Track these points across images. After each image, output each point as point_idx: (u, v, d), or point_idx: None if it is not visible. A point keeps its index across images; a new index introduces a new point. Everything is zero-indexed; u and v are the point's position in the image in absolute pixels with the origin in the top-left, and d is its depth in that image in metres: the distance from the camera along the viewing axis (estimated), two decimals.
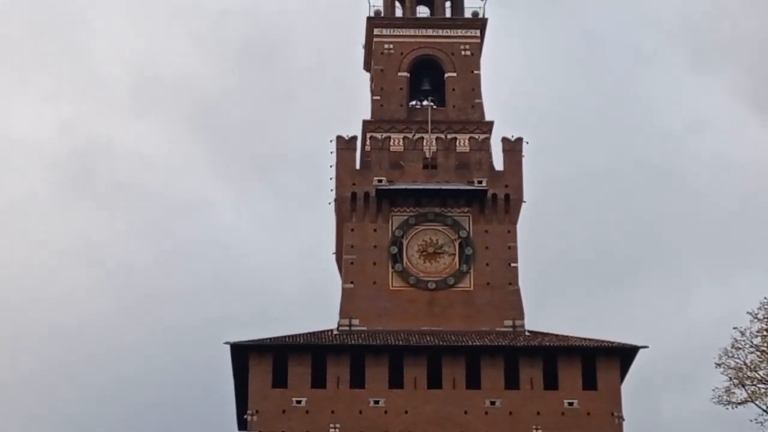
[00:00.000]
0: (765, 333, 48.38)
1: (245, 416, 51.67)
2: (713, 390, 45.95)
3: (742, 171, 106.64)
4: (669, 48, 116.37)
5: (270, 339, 52.32)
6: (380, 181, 56.49)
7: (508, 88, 78.70)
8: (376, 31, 60.57)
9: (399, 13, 62.36)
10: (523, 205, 56.78)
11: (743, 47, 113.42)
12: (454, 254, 55.90)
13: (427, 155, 57.24)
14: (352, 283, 55.42)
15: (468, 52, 60.19)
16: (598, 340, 53.04)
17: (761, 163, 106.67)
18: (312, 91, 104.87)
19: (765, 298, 48.57)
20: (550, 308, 73.64)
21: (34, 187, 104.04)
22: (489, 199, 56.32)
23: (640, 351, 52.44)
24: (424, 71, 60.33)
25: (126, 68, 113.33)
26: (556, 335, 53.88)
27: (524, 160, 57.31)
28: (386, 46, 60.36)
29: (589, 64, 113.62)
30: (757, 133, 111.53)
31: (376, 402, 51.33)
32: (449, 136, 57.73)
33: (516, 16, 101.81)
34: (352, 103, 66.84)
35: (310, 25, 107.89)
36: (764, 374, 47.23)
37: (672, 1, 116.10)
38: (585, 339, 53.24)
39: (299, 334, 53.12)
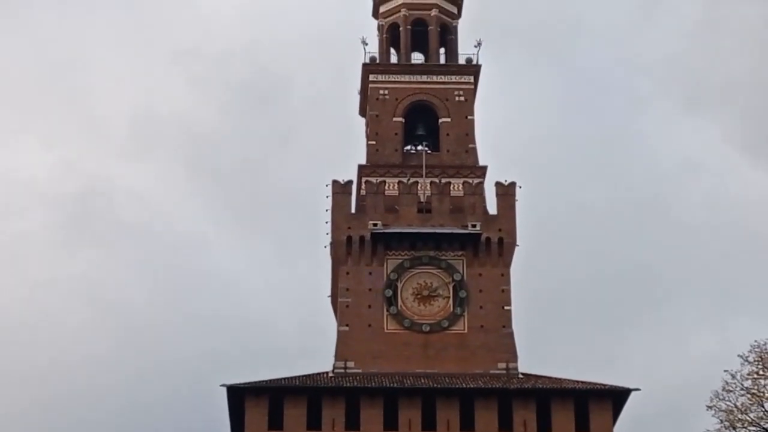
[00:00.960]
0: (755, 376, 49.13)
1: None
2: None
3: (734, 212, 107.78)
4: (662, 92, 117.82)
5: (266, 381, 52.85)
6: (375, 224, 57.14)
7: (501, 132, 79.57)
8: (371, 77, 61.58)
9: (394, 59, 63.44)
10: (517, 248, 57.52)
11: (734, 91, 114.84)
12: (449, 297, 56.58)
13: (422, 199, 58.04)
14: (347, 325, 56.03)
15: (462, 98, 61.17)
16: (590, 383, 53.60)
17: (752, 204, 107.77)
18: (309, 134, 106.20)
19: (755, 341, 49.52)
20: (543, 350, 74.21)
21: (34, 226, 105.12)
22: (483, 243, 57.03)
23: (633, 393, 53.02)
24: (419, 116, 61.25)
25: (125, 110, 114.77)
26: (550, 378, 54.45)
27: (517, 204, 58.11)
28: (381, 91, 61.30)
29: (583, 108, 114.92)
30: (748, 174, 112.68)
31: None
32: (443, 181, 58.53)
33: (510, 61, 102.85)
34: (347, 147, 67.80)
35: (307, 69, 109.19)
36: (755, 417, 47.91)
37: (664, 46, 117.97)
38: (578, 381, 53.80)
39: (295, 377, 53.70)
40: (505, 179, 58.22)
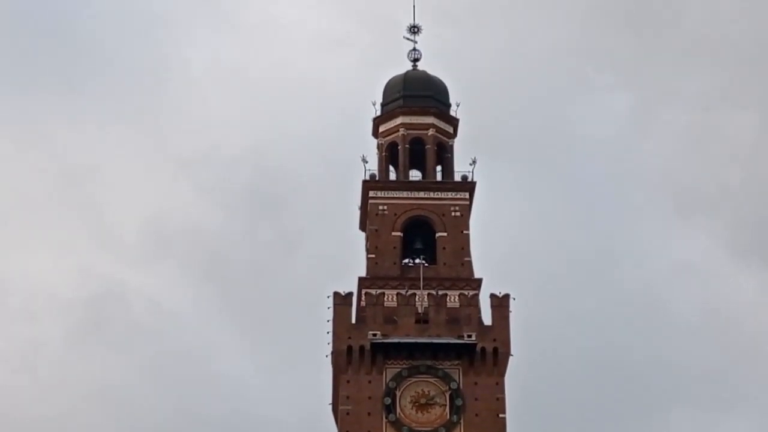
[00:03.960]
0: None
1: None
2: None
3: (725, 317, 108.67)
4: (654, 200, 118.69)
5: None
6: (375, 335, 58.69)
7: (496, 245, 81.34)
8: (371, 193, 63.39)
9: (393, 176, 65.11)
10: (511, 358, 58.95)
11: (725, 199, 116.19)
12: (445, 405, 57.86)
13: (420, 310, 59.55)
14: None
15: (458, 213, 62.96)
16: None
17: (743, 308, 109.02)
18: (313, 244, 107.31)
19: None
20: None
21: (49, 332, 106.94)
22: (478, 353, 58.45)
23: None
24: (417, 231, 62.89)
25: (136, 217, 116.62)
26: None
27: (511, 315, 59.62)
28: (381, 207, 63.11)
29: (576, 218, 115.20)
30: (739, 280, 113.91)
31: None
32: (440, 293, 60.04)
33: (504, 174, 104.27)
34: (349, 259, 69.78)
35: (311, 181, 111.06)
36: None
37: (657, 156, 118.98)
38: None
39: None
40: (500, 291, 59.90)
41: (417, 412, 57.87)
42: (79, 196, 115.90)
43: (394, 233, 62.66)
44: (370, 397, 57.99)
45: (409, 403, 57.99)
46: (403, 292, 60.23)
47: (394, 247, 62.42)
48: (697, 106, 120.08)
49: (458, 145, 66.27)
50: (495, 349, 58.82)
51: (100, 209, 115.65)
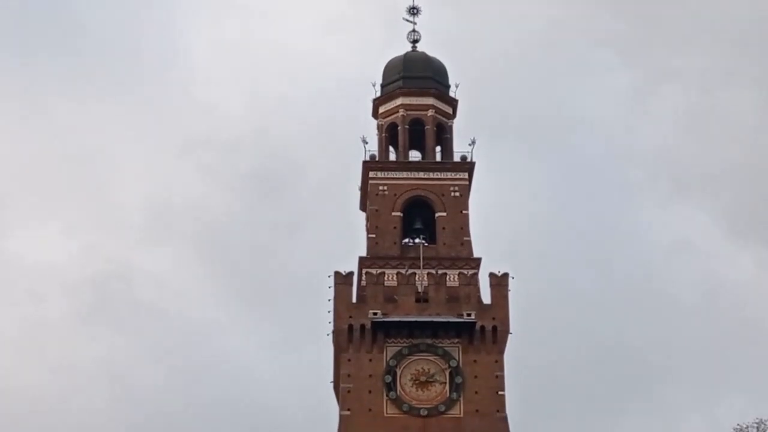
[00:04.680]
0: None
1: None
2: None
3: (722, 295, 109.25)
4: (653, 179, 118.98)
5: None
6: (375, 314, 59.34)
7: (495, 225, 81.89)
8: (371, 174, 63.94)
9: (393, 157, 65.68)
10: (510, 336, 59.58)
11: (723, 178, 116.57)
12: (445, 383, 58.55)
13: (419, 290, 60.18)
14: (348, 410, 58.04)
15: (457, 194, 63.53)
16: None
17: (740, 286, 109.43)
18: (314, 225, 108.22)
19: (738, 425, 51.86)
20: None
21: (53, 310, 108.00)
22: (477, 331, 59.13)
23: None
24: (416, 211, 63.48)
25: (141, 198, 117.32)
26: None
27: (510, 294, 60.26)
28: (381, 187, 63.67)
29: (574, 197, 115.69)
30: (736, 258, 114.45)
31: None
32: (440, 272, 60.67)
33: (503, 153, 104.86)
34: (349, 239, 70.33)
35: (312, 162, 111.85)
36: None
37: (656, 135, 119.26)
38: None
39: None
40: (499, 270, 60.59)
41: (417, 390, 58.52)
42: (84, 177, 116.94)
43: (394, 213, 63.23)
44: (370, 375, 58.66)
45: (410, 380, 58.65)
46: (403, 271, 60.81)
47: (394, 227, 62.98)
48: (697, 86, 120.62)
49: (457, 125, 66.86)
50: (494, 328, 59.45)
51: (105, 190, 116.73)
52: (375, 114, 67.24)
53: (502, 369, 59.11)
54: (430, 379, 58.64)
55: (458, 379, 58.53)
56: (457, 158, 64.91)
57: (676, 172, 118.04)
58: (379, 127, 66.69)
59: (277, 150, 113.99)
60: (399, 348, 59.18)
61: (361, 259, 62.11)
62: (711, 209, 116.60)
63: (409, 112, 65.82)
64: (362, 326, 59.16)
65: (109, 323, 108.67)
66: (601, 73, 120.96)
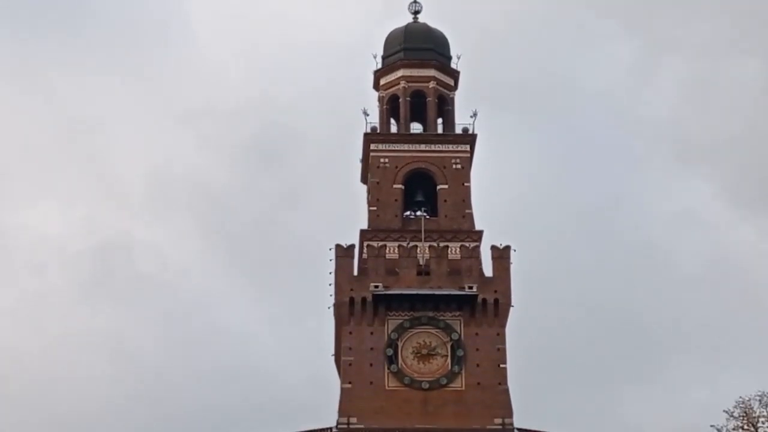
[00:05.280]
0: (741, 430, 51.36)
1: None
2: None
3: (726, 266, 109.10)
4: (655, 150, 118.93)
5: None
6: (377, 286, 59.34)
7: (497, 197, 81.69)
8: (372, 146, 63.76)
9: (394, 129, 65.58)
10: (512, 308, 59.60)
11: (726, 148, 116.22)
12: (447, 356, 58.58)
13: (421, 262, 60.11)
14: (350, 383, 58.14)
15: (459, 166, 63.38)
16: None
17: (743, 258, 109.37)
18: (315, 196, 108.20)
19: (740, 397, 51.82)
20: (538, 406, 75.76)
21: (54, 282, 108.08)
22: (479, 304, 59.13)
23: None
24: (418, 183, 63.37)
25: (141, 168, 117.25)
26: None
27: (512, 266, 60.19)
28: (382, 160, 63.53)
29: (576, 168, 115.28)
30: (739, 229, 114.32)
31: None
32: (441, 245, 60.61)
33: (505, 124, 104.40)
34: (350, 212, 70.17)
35: (313, 133, 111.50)
36: None
37: (658, 105, 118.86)
38: None
39: None
40: (500, 243, 60.53)
41: (419, 363, 58.54)
42: (84, 148, 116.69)
43: (395, 186, 63.14)
44: (372, 348, 58.67)
45: (411, 353, 58.66)
46: (404, 244, 60.79)
47: (396, 200, 62.90)
48: (700, 55, 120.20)
49: (459, 97, 66.78)
50: (496, 300, 59.44)
51: (105, 162, 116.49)
52: (376, 86, 67.04)
53: (503, 342, 59.15)
54: (432, 352, 58.68)
55: (460, 352, 58.55)
56: (458, 130, 64.74)
57: (679, 143, 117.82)
58: (380, 99, 66.51)
59: (277, 120, 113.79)
60: (400, 321, 59.22)
61: (362, 231, 62.04)
62: (714, 179, 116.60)
63: (410, 84, 65.66)
64: (363, 299, 59.14)
65: (109, 295, 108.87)
66: (603, 44, 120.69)
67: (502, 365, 58.60)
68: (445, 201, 62.82)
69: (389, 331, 58.99)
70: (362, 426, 56.71)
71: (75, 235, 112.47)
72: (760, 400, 51.47)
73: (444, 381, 58.17)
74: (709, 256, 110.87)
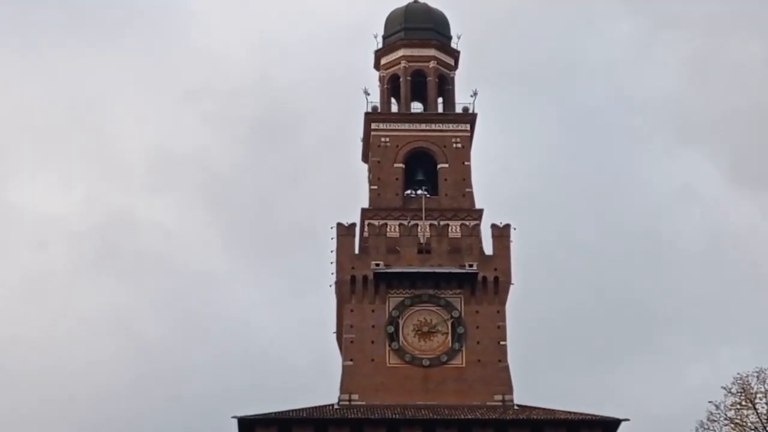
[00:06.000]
0: (738, 407, 51.82)
1: None
2: None
3: (726, 243, 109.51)
4: (656, 127, 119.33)
5: (275, 413, 55.12)
6: (378, 265, 59.69)
7: (497, 176, 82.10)
8: (373, 126, 63.98)
9: (394, 108, 65.78)
10: (512, 286, 59.96)
11: (727, 125, 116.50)
12: (447, 333, 58.99)
13: (422, 241, 60.46)
14: (351, 360, 58.55)
15: (459, 145, 63.60)
16: (582, 414, 55.80)
17: (744, 234, 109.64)
18: (316, 175, 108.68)
19: (738, 373, 52.31)
20: (538, 383, 76.32)
21: (57, 259, 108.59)
22: (479, 282, 59.49)
23: (623, 423, 55.32)
24: (418, 162, 63.65)
25: (143, 146, 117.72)
26: (543, 409, 56.73)
27: (512, 245, 60.52)
28: (383, 139, 63.76)
29: (576, 145, 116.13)
30: (740, 205, 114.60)
31: None
32: (442, 223, 60.89)
33: (506, 101, 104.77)
34: (352, 190, 70.51)
35: (315, 112, 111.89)
36: None
37: (660, 82, 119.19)
38: (570, 412, 55.97)
39: (302, 409, 56.00)
40: (501, 221, 60.84)
41: (419, 340, 58.95)
42: (86, 125, 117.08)
43: (396, 165, 63.40)
44: (373, 326, 59.07)
45: (412, 331, 59.05)
46: (405, 222, 61.10)
47: (396, 179, 63.18)
48: (701, 32, 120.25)
49: (459, 77, 66.91)
50: (496, 278, 59.80)
51: (106, 138, 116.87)
52: (377, 65, 67.18)
53: (503, 319, 59.52)
54: (432, 330, 59.08)
55: (460, 330, 58.94)
56: (459, 109, 64.95)
57: (681, 120, 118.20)
58: (381, 79, 66.67)
59: (278, 99, 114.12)
60: (401, 299, 59.60)
61: (363, 210, 62.38)
62: (715, 157, 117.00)
63: (410, 64, 65.83)
64: (365, 277, 59.50)
65: (112, 273, 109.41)
66: (604, 20, 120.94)
67: (502, 342, 58.97)
68: (446, 180, 63.10)
69: (390, 309, 59.39)
70: (363, 403, 57.09)
71: (77, 214, 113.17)
72: (757, 377, 52.04)
73: (444, 358, 58.57)
74: (711, 233, 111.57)
